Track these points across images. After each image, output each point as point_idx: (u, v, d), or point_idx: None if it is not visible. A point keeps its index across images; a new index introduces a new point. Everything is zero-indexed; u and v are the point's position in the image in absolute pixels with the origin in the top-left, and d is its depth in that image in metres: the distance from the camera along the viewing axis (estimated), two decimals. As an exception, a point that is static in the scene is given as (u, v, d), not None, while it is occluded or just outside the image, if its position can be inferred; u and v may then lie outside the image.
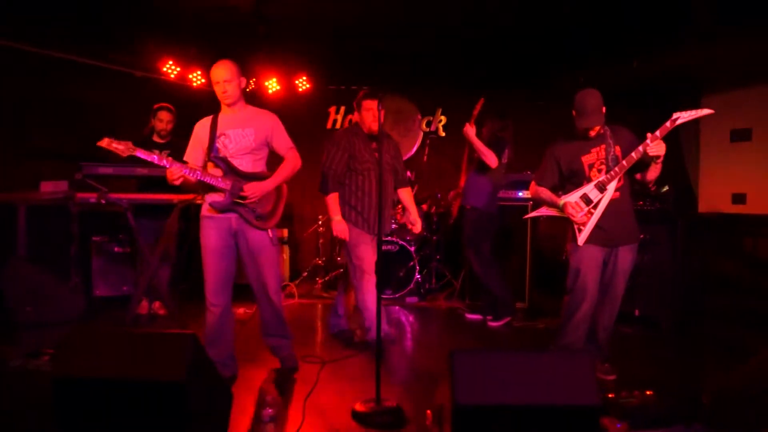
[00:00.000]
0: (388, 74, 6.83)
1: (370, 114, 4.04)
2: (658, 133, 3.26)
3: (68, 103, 5.15)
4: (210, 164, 3.49)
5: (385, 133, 3.95)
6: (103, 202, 4.51)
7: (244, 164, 3.48)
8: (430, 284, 6.15)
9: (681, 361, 4.14)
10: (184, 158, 3.52)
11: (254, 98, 7.30)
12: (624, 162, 3.37)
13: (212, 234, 3.43)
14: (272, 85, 6.84)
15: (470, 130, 4.76)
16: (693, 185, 5.97)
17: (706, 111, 3.28)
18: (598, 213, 3.44)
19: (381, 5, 5.08)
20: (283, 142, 3.62)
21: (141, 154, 3.25)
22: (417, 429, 2.87)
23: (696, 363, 4.12)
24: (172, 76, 6.16)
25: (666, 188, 4.96)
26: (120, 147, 3.21)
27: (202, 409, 2.27)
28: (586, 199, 3.47)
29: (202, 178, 3.35)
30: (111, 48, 2.90)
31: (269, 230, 3.54)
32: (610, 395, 3.01)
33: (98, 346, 2.26)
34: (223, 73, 3.42)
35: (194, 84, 6.41)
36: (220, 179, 3.38)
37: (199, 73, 6.38)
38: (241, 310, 5.25)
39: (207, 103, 5.01)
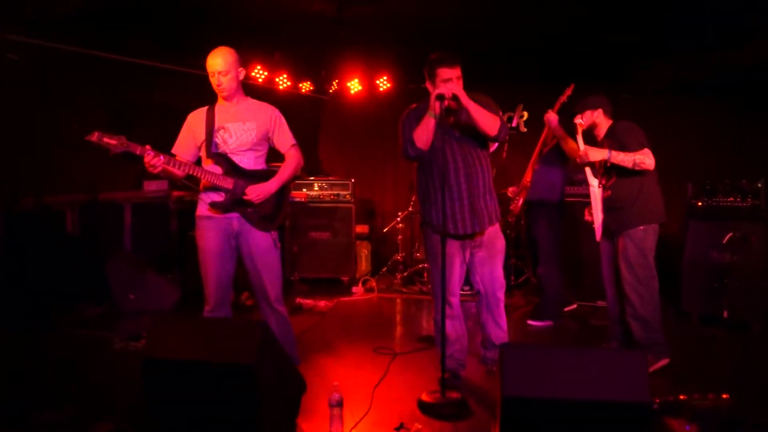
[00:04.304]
0: (468, 70, 6.84)
1: (450, 86, 3.09)
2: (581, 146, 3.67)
3: (162, 107, 5.61)
4: (209, 161, 3.19)
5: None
6: (196, 199, 4.87)
7: (245, 161, 3.21)
8: (508, 281, 6.11)
9: (769, 367, 3.92)
10: (172, 150, 3.21)
11: (337, 99, 7.57)
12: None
13: (212, 236, 3.19)
14: (354, 86, 7.05)
15: (553, 117, 4.50)
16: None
17: None
18: (595, 211, 3.77)
19: (460, 3, 5.11)
20: (285, 139, 3.33)
21: (135, 149, 2.88)
22: (479, 421, 2.94)
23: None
24: (260, 80, 6.50)
25: (760, 184, 4.68)
26: (112, 142, 2.83)
27: (272, 391, 2.46)
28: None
29: (202, 177, 3.12)
30: (202, 56, 3.14)
31: (272, 232, 3.28)
32: (681, 396, 2.93)
33: (182, 332, 2.51)
34: (219, 63, 3.09)
35: (280, 87, 6.73)
36: (220, 177, 3.12)
37: (285, 76, 6.70)
38: (322, 303, 5.50)
39: (291, 105, 5.29)
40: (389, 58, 6.83)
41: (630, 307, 3.62)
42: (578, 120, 3.79)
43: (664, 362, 3.61)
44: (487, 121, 3.17)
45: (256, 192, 3.15)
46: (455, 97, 3.07)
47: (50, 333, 4.39)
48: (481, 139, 3.31)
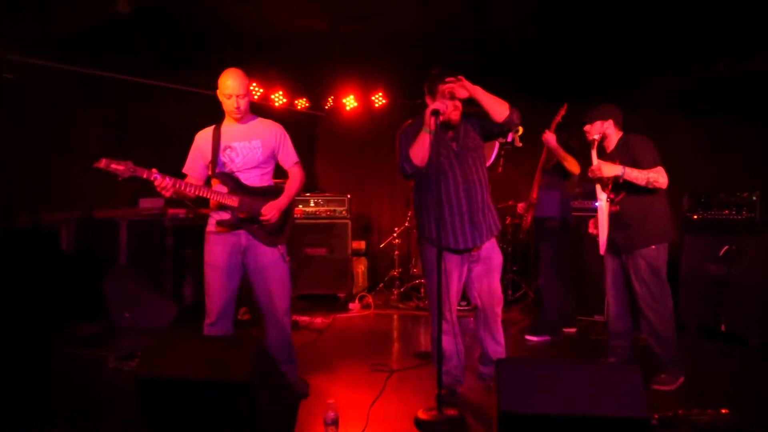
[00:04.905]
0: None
1: (450, 103, 3.17)
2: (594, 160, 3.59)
3: (158, 125, 5.63)
4: (216, 180, 3.25)
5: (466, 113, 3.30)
6: (192, 216, 4.88)
7: (251, 179, 3.28)
8: (505, 296, 6.10)
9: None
10: (183, 170, 3.29)
11: (333, 115, 7.60)
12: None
13: (219, 250, 3.22)
14: (350, 102, 7.08)
15: (551, 137, 4.56)
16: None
17: None
18: (601, 225, 3.70)
19: (454, 19, 5.15)
20: (289, 156, 3.41)
21: (142, 173, 2.96)
22: (477, 438, 2.92)
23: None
24: (256, 97, 6.52)
25: (755, 197, 4.68)
26: (120, 168, 2.91)
27: (268, 408, 2.43)
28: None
29: (209, 197, 3.18)
30: (199, 73, 3.15)
31: (279, 246, 3.33)
32: (680, 411, 2.91)
33: (176, 349, 2.48)
34: (238, 86, 3.14)
35: (276, 104, 6.76)
36: (226, 196, 3.17)
37: (280, 93, 6.73)
38: (319, 320, 5.48)
39: (287, 122, 5.25)
40: (384, 74, 6.87)
41: (647, 324, 3.57)
42: (595, 136, 3.68)
43: (681, 380, 3.59)
44: (496, 105, 3.19)
45: (270, 211, 3.21)
46: (459, 80, 3.13)
47: (44, 351, 4.35)
48: (479, 152, 3.32)
